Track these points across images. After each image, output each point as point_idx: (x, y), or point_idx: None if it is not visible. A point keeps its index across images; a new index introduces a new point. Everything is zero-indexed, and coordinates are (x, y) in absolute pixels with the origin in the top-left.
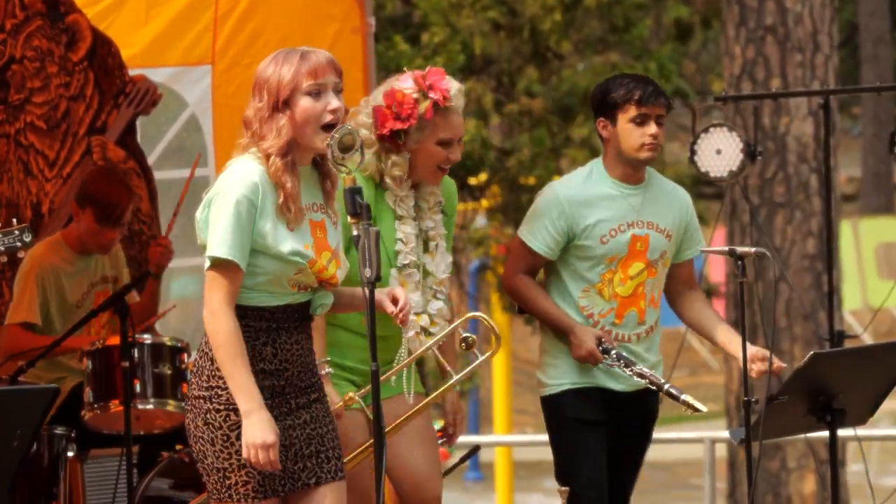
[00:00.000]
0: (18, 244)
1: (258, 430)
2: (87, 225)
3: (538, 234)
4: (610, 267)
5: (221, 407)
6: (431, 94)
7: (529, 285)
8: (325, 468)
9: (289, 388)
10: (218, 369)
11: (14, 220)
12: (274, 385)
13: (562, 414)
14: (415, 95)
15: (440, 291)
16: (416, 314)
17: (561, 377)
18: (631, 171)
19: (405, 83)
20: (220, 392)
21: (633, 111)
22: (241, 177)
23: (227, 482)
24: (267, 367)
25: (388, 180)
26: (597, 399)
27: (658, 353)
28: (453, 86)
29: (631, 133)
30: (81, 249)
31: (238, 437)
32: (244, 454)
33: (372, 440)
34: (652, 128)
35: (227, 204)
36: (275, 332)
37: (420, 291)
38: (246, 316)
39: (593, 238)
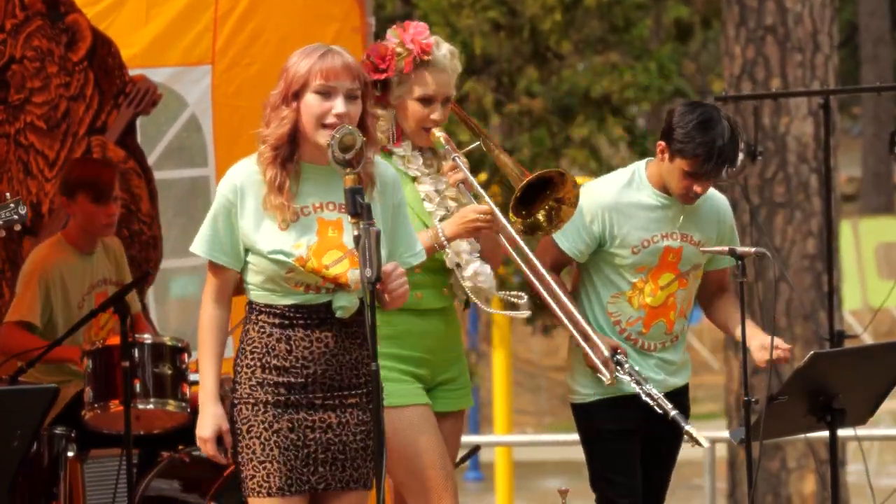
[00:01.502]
0: (15, 217)
1: (200, 425)
2: (84, 210)
3: (569, 234)
4: (640, 276)
5: (237, 401)
6: (410, 47)
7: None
8: (339, 476)
9: (312, 385)
10: (238, 367)
11: (7, 195)
12: (291, 382)
13: (593, 424)
14: (397, 49)
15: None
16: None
17: (591, 386)
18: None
19: (389, 40)
20: (236, 386)
21: (687, 167)
22: (228, 176)
23: (242, 475)
24: (280, 363)
25: (377, 135)
26: (628, 407)
27: (684, 353)
28: (443, 46)
29: (680, 180)
30: (84, 245)
31: (247, 432)
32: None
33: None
34: (699, 187)
35: (214, 202)
36: (289, 329)
37: (467, 242)
38: (261, 312)
39: (625, 247)
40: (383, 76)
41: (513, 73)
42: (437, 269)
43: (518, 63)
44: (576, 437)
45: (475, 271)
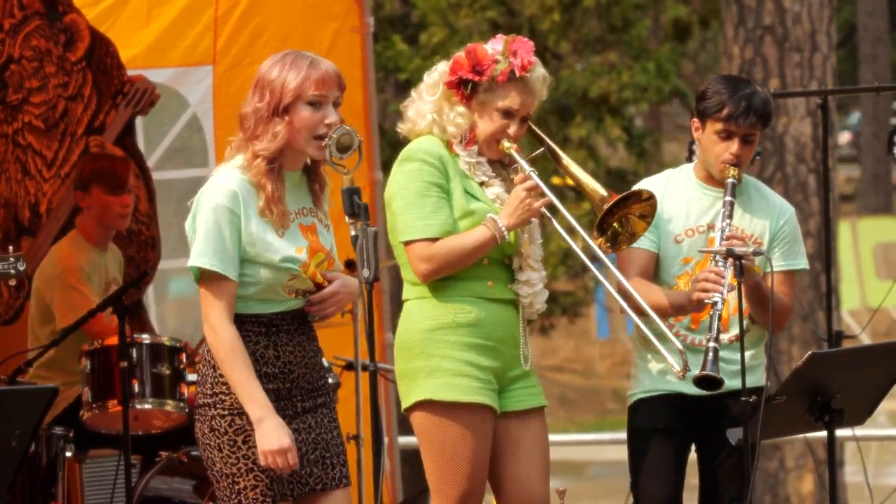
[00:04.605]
0: (12, 271)
1: (273, 437)
2: (99, 201)
3: None
4: (685, 269)
5: (226, 412)
6: (512, 59)
7: (640, 284)
8: (330, 475)
9: (295, 390)
10: (221, 376)
11: (10, 248)
12: (279, 388)
13: (631, 425)
14: (497, 57)
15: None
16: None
17: (634, 387)
18: (713, 176)
19: (494, 44)
20: (223, 398)
21: (718, 125)
22: (219, 186)
23: (237, 487)
24: (270, 370)
25: (450, 129)
26: (670, 406)
27: (753, 358)
28: (539, 69)
29: (714, 146)
30: (99, 241)
31: (244, 442)
32: (262, 462)
33: None
34: (734, 146)
35: (206, 214)
36: (275, 335)
37: (536, 246)
38: (245, 323)
39: (667, 235)
40: (477, 78)
41: None
42: (501, 261)
43: None
44: (573, 437)
45: (527, 280)
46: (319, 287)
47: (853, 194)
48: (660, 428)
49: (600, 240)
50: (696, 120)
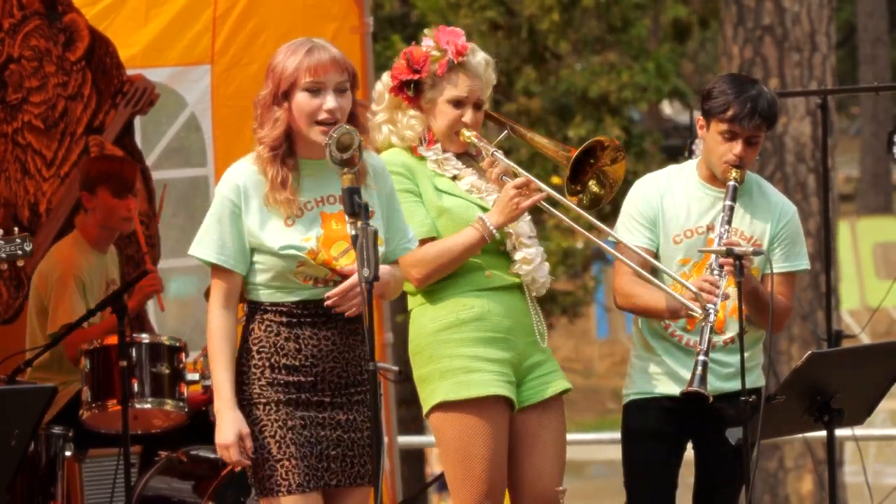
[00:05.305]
0: (20, 252)
1: (221, 431)
2: (105, 204)
3: (630, 229)
4: (683, 269)
5: (244, 402)
6: (445, 48)
7: (633, 288)
8: (348, 472)
9: (321, 384)
10: (243, 364)
11: (16, 229)
12: (301, 381)
13: (624, 426)
14: (432, 52)
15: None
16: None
17: (629, 387)
18: (715, 175)
19: (426, 42)
20: (243, 388)
21: (723, 126)
22: (226, 178)
23: (258, 476)
24: (290, 362)
25: (407, 134)
26: (661, 409)
27: (751, 360)
28: (479, 53)
29: (717, 146)
30: (100, 244)
31: (259, 432)
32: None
33: None
34: (737, 147)
35: (213, 204)
36: (297, 327)
37: (524, 223)
38: (266, 311)
39: (666, 235)
40: (417, 77)
41: (511, 73)
42: (495, 249)
43: (516, 63)
44: (573, 437)
45: (524, 257)
46: (343, 274)
47: (853, 194)
48: (650, 430)
49: (575, 199)
50: (700, 118)
